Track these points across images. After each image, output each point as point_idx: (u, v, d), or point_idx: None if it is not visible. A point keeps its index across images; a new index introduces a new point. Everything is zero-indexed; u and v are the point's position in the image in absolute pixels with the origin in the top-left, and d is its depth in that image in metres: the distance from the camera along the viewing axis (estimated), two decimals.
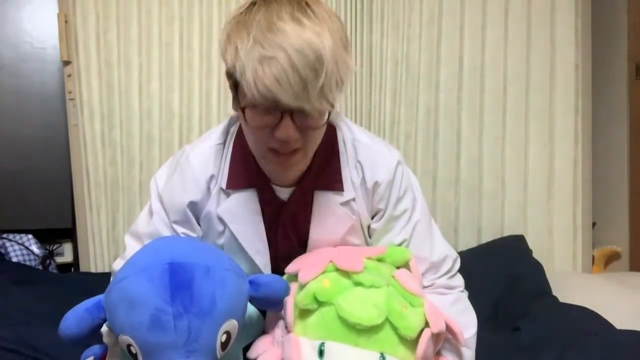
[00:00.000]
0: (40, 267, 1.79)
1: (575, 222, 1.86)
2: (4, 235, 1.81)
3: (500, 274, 1.55)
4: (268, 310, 0.90)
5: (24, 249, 1.79)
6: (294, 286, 0.89)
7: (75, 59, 1.75)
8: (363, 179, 0.96)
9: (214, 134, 0.97)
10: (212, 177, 0.95)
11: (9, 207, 1.89)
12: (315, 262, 0.88)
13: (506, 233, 1.84)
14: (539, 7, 1.84)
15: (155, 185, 0.99)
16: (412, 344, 0.83)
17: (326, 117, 0.83)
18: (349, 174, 0.96)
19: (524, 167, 1.86)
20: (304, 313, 0.84)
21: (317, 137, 0.86)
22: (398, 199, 0.97)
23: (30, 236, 1.84)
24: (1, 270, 1.58)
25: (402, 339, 0.82)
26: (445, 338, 0.91)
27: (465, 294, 1.01)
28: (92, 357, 0.89)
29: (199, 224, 1.00)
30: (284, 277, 0.94)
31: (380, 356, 0.80)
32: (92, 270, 1.78)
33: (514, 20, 1.84)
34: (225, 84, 1.98)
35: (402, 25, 1.85)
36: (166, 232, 0.96)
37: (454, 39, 1.85)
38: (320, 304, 0.82)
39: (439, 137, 1.87)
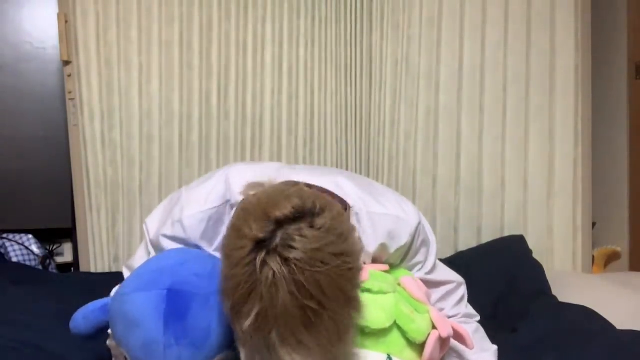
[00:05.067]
0: (40, 267, 1.79)
1: (575, 222, 1.85)
2: (4, 235, 1.81)
3: (499, 274, 1.55)
4: None
5: (24, 249, 1.79)
6: None
7: (75, 59, 1.75)
8: (382, 245, 0.95)
9: (211, 196, 0.94)
10: (202, 241, 0.93)
11: (9, 207, 1.89)
12: None
13: (506, 233, 1.84)
14: (538, 7, 1.83)
15: (146, 231, 0.98)
16: (418, 347, 0.83)
17: None
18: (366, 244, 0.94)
19: (524, 167, 1.86)
20: None
21: None
22: (413, 255, 0.99)
23: (30, 236, 1.84)
24: (1, 270, 1.58)
25: (410, 343, 0.82)
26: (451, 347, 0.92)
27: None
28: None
29: None
30: None
31: (388, 357, 0.80)
32: (92, 270, 1.78)
33: (514, 21, 1.84)
34: (225, 83, 1.99)
35: (402, 25, 1.85)
36: None
37: (454, 39, 1.85)
38: None
39: (439, 137, 1.87)
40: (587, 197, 1.86)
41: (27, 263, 1.77)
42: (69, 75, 1.75)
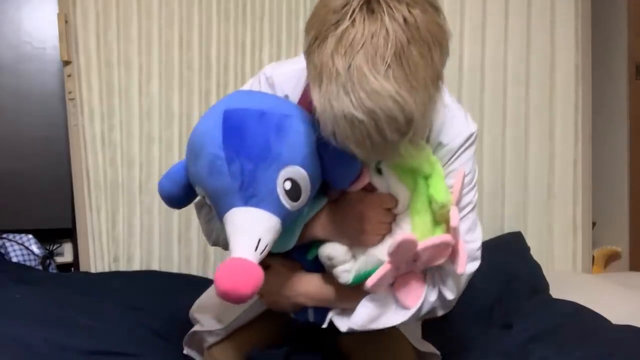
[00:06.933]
0: (40, 267, 1.79)
1: (575, 222, 1.86)
2: (4, 235, 1.81)
3: (497, 272, 1.55)
4: (334, 180, 0.83)
5: (24, 249, 1.79)
6: None
7: (75, 59, 1.75)
8: (427, 137, 0.90)
9: (300, 58, 0.90)
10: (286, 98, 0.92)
11: (9, 207, 1.89)
12: None
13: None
14: (539, 6, 1.83)
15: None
16: (435, 216, 0.87)
17: None
18: None
19: (524, 167, 1.86)
20: None
21: None
22: (452, 171, 0.91)
23: (30, 236, 1.84)
24: (1, 270, 1.58)
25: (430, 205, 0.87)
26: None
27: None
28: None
29: None
30: None
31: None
32: (92, 270, 1.78)
33: (514, 20, 1.84)
34: (225, 83, 1.98)
35: None
36: None
37: (454, 39, 1.84)
38: None
39: None
40: (587, 197, 1.86)
41: (27, 263, 1.77)
42: (69, 76, 1.76)
